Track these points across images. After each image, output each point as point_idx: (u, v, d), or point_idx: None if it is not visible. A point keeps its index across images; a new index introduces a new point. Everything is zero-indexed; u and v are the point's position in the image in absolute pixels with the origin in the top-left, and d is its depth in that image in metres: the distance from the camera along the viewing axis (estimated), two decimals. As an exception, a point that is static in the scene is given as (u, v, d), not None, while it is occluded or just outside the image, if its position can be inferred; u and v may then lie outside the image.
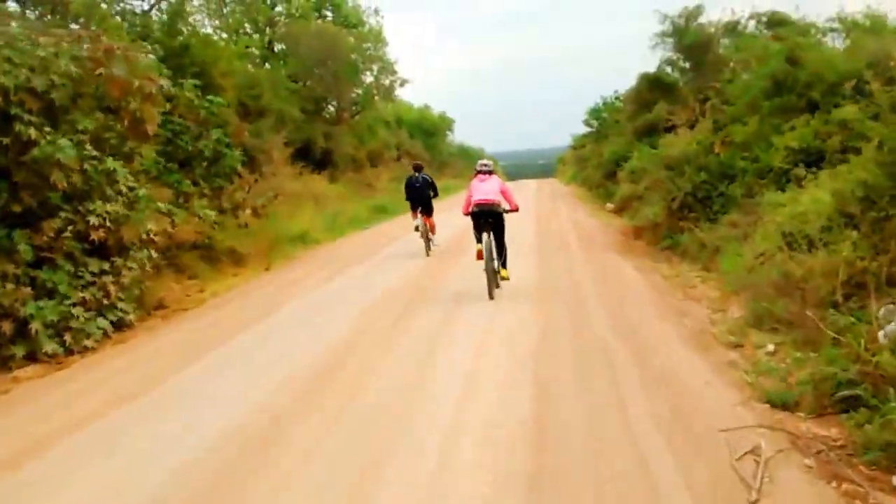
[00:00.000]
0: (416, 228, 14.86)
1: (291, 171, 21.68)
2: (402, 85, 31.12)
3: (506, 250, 9.89)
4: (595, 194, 28.87)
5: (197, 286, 12.53)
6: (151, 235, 9.71)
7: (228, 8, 28.79)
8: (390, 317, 8.84)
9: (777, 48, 11.93)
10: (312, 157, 25.89)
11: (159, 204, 10.68)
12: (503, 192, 10.02)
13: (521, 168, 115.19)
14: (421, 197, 14.74)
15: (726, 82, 14.18)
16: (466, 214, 10.13)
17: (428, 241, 14.68)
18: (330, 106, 31.02)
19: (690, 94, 24.23)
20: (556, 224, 19.01)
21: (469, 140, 72.38)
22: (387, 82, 30.73)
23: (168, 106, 12.94)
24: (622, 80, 35.78)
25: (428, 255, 14.47)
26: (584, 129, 41.75)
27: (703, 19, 24.25)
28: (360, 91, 30.33)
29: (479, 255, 9.52)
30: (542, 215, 21.48)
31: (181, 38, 18.72)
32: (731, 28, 25.61)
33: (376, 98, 31.09)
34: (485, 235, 9.71)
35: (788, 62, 11.34)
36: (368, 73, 30.27)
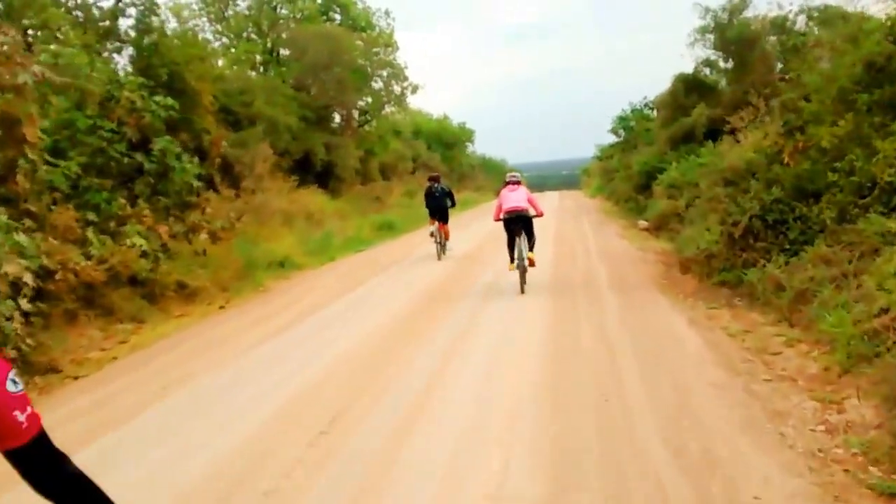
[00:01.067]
0: (431, 234, 15.45)
1: (284, 186, 18.90)
2: (413, 91, 28.40)
3: (534, 239, 11.08)
4: (624, 209, 25.79)
5: (125, 333, 9.74)
6: (23, 278, 6.93)
7: (231, 11, 26.28)
8: (334, 407, 5.93)
9: (875, 23, 8.87)
10: (312, 170, 23.15)
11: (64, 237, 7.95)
12: (530, 201, 11.14)
13: (545, 179, 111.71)
14: (438, 206, 15.41)
15: (798, 73, 11.05)
16: (497, 220, 11.17)
17: (442, 245, 15.37)
18: (336, 115, 28.33)
19: (735, 95, 21.22)
20: (581, 248, 15.85)
21: (491, 152, 69.57)
22: (397, 89, 27.99)
23: (96, 109, 10.25)
24: (650, 88, 33.34)
25: (440, 259, 15.06)
26: (610, 139, 38.70)
27: (747, 13, 21.19)
28: (369, 99, 27.58)
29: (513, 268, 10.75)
30: (564, 236, 18.37)
31: (152, 37, 16.06)
32: (780, 24, 22.54)
33: (387, 106, 28.31)
34: (517, 239, 10.76)
35: (892, 41, 8.27)
36: (378, 79, 27.53)
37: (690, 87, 22.65)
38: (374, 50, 27.69)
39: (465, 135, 49.61)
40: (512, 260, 10.88)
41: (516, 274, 10.72)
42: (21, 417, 1.70)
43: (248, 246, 13.87)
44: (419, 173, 38.28)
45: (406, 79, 27.74)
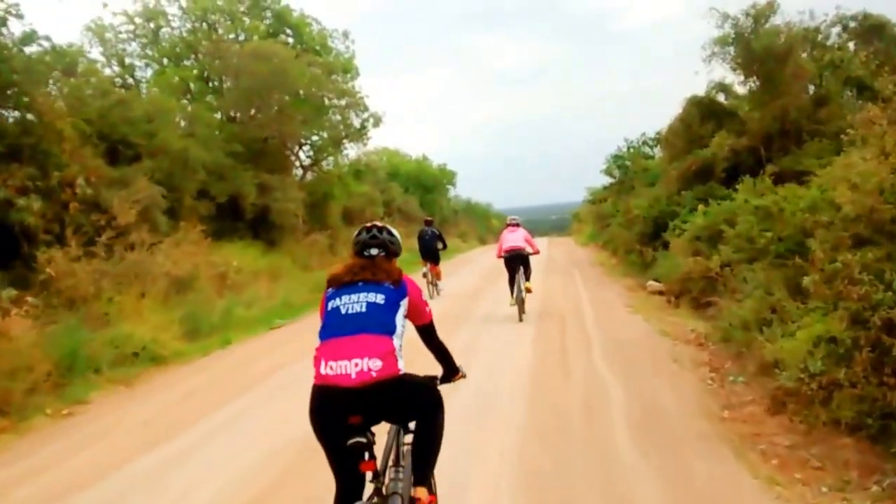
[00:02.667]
0: (424, 275, 15.59)
1: (189, 237, 14.10)
2: (375, 124, 23.81)
3: (531, 270, 12.40)
4: (625, 262, 21.17)
5: None
6: None
7: (166, 31, 21.79)
8: None
9: None
10: (243, 217, 18.45)
11: None
12: (527, 240, 12.59)
13: (534, 224, 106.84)
14: (430, 248, 15.82)
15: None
16: (499, 258, 12.52)
17: (434, 285, 15.81)
18: (297, 153, 23.75)
19: (764, 121, 16.77)
20: (575, 329, 10.86)
21: (477, 196, 65.12)
22: (357, 121, 23.44)
23: None
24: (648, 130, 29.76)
25: (431, 297, 15.04)
26: (603, 181, 34.36)
27: (775, 21, 16.82)
28: (323, 133, 22.99)
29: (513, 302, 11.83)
30: (552, 304, 13.44)
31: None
32: (812, 36, 18.19)
33: (346, 142, 23.70)
34: (517, 276, 11.99)
35: None
36: (335, 110, 22.99)
37: (706, 113, 18.19)
38: (333, 77, 23.22)
39: (446, 177, 45.12)
40: (512, 294, 12.08)
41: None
42: (427, 309, 3.57)
43: (79, 333, 9.05)
44: (393, 219, 33.73)
45: (366, 109, 23.23)
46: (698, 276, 12.09)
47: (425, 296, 3.84)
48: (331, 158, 24.25)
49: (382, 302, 3.26)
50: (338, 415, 3.05)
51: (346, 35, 23.49)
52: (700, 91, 18.65)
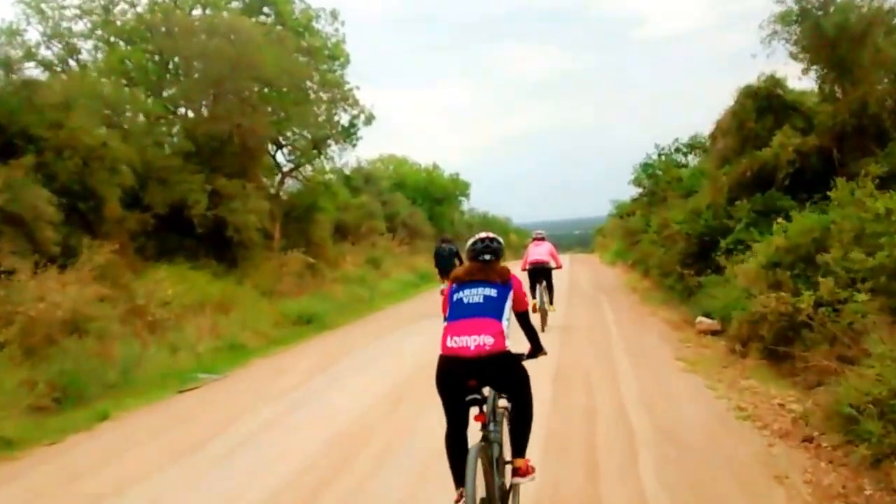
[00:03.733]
0: (442, 292, 12.30)
1: (91, 260, 10.65)
2: (367, 122, 20.40)
3: (553, 291, 12.76)
4: (661, 285, 17.55)
5: None
6: None
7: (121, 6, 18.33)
8: None
9: None
10: (191, 231, 15.08)
11: None
12: (552, 254, 13.03)
13: (555, 239, 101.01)
14: (446, 265, 15.19)
15: None
16: (524, 270, 12.62)
17: None
18: (274, 155, 20.40)
19: (839, 116, 13.20)
20: (609, 429, 6.60)
21: (495, 209, 61.55)
22: (345, 118, 20.06)
23: None
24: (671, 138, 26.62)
25: None
26: (631, 193, 30.69)
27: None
28: (304, 132, 19.56)
29: (535, 309, 10.70)
30: (572, 367, 9.30)
31: None
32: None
33: (331, 141, 20.26)
34: (538, 287, 12.51)
35: None
36: (320, 104, 19.62)
37: (764, 107, 14.58)
38: (323, 68, 19.84)
39: (458, 188, 41.57)
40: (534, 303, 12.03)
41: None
42: (526, 300, 4.45)
43: None
44: (397, 235, 30.34)
45: (355, 103, 19.80)
46: (775, 317, 8.55)
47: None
48: (318, 161, 20.78)
49: (495, 295, 4.23)
50: (459, 377, 4.07)
51: (334, 15, 20.05)
52: (754, 84, 15.02)
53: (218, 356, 11.47)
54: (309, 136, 19.97)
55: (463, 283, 4.30)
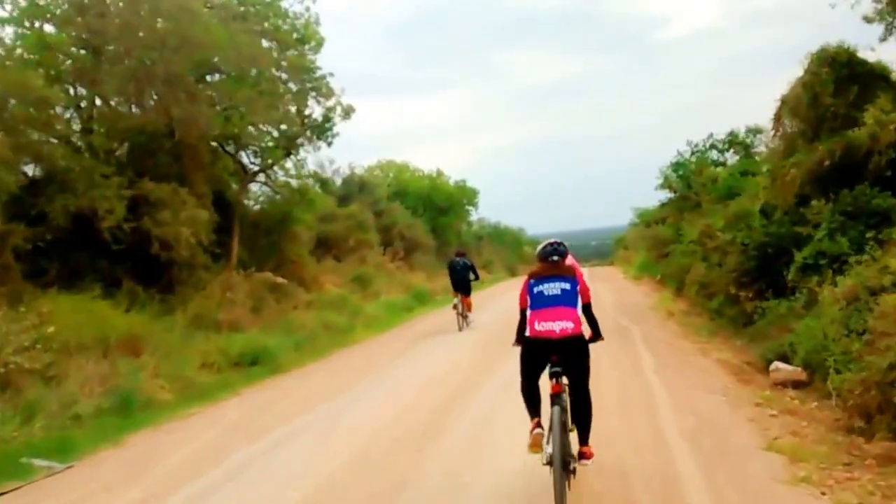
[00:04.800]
0: (454, 306, 15.10)
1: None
2: (345, 115, 17.10)
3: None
4: (703, 309, 14.12)
5: None
6: None
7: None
8: None
9: None
10: (105, 249, 11.80)
11: None
12: (574, 266, 8.71)
13: (573, 250, 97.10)
14: (461, 279, 15.14)
15: None
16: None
17: (464, 317, 15.04)
18: (247, 154, 17.14)
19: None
20: None
21: (507, 220, 58.03)
22: (317, 112, 16.77)
23: None
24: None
25: (460, 329, 14.70)
26: (656, 199, 27.22)
27: None
28: (270, 128, 16.27)
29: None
30: (602, 473, 5.32)
31: None
32: None
33: (303, 139, 16.92)
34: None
35: None
36: (288, 96, 16.36)
37: (844, 77, 11.11)
38: (290, 53, 16.57)
39: (465, 196, 38.15)
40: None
41: None
42: (589, 292, 5.16)
43: None
44: (394, 249, 27.04)
45: (330, 93, 16.46)
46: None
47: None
48: (294, 163, 17.51)
49: (569, 288, 5.03)
50: (544, 354, 4.97)
51: (306, -10, 16.72)
52: (830, 47, 11.53)
53: (98, 422, 8.17)
54: (275, 133, 16.66)
55: (541, 279, 5.10)
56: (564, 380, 4.95)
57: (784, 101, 11.80)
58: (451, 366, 10.80)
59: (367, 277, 21.46)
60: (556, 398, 4.84)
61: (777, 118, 12.11)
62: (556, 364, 4.90)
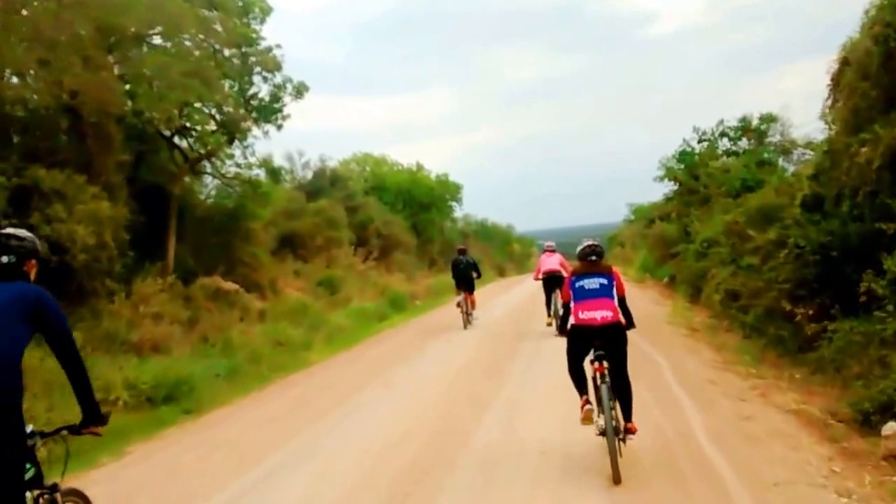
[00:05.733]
0: (458, 304, 15.13)
1: None
2: (297, 95, 14.39)
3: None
4: (731, 321, 11.60)
5: None
6: None
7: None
8: None
9: None
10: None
11: None
12: (562, 265, 13.10)
13: (564, 247, 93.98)
14: (464, 276, 15.11)
15: None
16: (538, 280, 13.61)
17: (468, 315, 15.03)
18: (174, 142, 14.41)
19: None
20: None
21: (494, 216, 55.39)
22: (264, 89, 14.06)
23: None
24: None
25: (466, 328, 14.74)
26: (655, 194, 24.66)
27: None
28: (209, 106, 13.53)
29: (549, 322, 11.73)
30: None
31: None
32: None
33: (250, 122, 14.24)
34: (553, 296, 12.64)
35: None
36: (229, 69, 13.64)
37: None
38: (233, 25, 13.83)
39: (448, 190, 35.49)
40: (549, 313, 12.94)
41: None
42: (624, 287, 5.89)
43: None
44: (369, 248, 24.36)
45: (277, 68, 13.76)
46: None
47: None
48: (245, 145, 14.82)
49: (606, 283, 5.67)
50: (588, 340, 5.61)
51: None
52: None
53: None
54: (218, 116, 13.94)
55: (581, 275, 5.75)
56: (605, 363, 5.52)
57: (844, 59, 9.19)
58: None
59: (336, 281, 18.77)
60: (602, 377, 5.53)
61: (833, 84, 9.50)
62: (599, 348, 5.55)
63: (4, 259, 3.36)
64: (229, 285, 14.54)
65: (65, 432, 3.57)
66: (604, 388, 5.41)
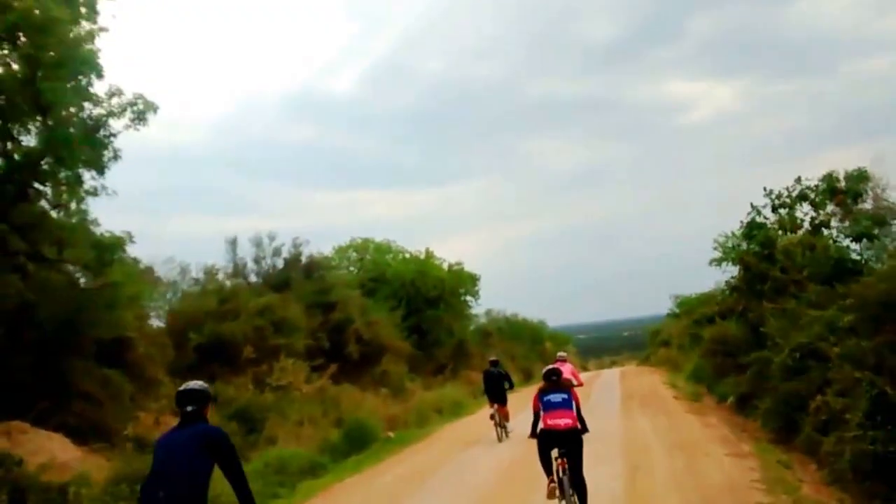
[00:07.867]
0: (491, 416, 14.64)
1: None
2: (138, 119, 9.13)
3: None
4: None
5: None
6: None
7: None
8: None
9: None
10: None
11: None
12: (573, 374, 13.53)
13: (602, 342, 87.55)
14: (496, 388, 14.70)
15: None
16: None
17: (503, 427, 14.46)
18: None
19: None
20: None
21: (526, 311, 48.90)
22: (96, 111, 8.80)
23: None
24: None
25: (500, 441, 13.99)
26: (708, 282, 18.50)
27: None
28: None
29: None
30: None
31: None
32: None
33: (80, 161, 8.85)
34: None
35: None
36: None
37: None
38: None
39: (461, 282, 29.72)
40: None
41: None
42: (579, 399, 7.96)
43: None
44: (346, 362, 18.58)
45: (99, 73, 8.55)
46: None
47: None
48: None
49: (567, 397, 7.58)
50: (553, 442, 7.45)
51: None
52: None
53: None
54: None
55: (548, 392, 7.61)
56: (566, 460, 7.26)
57: None
58: None
59: (260, 411, 12.87)
60: (563, 471, 7.32)
61: None
62: (562, 447, 7.35)
63: (189, 408, 4.57)
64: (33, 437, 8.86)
65: None
66: (565, 480, 7.25)
